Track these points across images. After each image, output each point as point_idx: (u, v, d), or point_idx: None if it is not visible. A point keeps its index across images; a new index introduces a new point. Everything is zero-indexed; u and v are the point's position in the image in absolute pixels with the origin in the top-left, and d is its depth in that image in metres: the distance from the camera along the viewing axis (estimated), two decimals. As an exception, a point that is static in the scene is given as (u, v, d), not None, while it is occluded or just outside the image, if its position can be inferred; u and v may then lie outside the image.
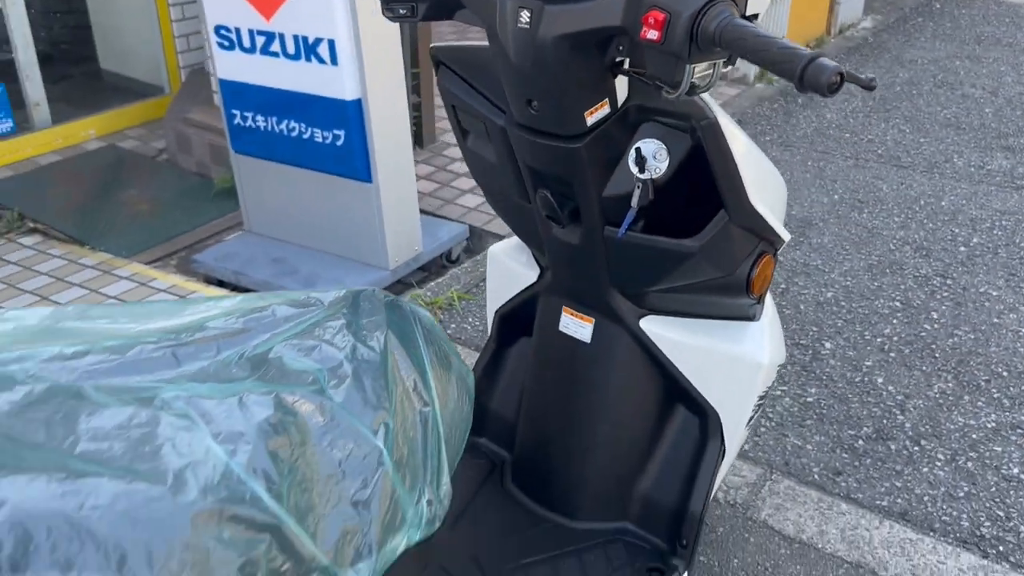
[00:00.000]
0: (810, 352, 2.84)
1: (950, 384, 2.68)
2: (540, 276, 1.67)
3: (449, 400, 1.15)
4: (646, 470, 1.64)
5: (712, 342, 1.49)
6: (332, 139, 3.05)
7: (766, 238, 1.40)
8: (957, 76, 5.13)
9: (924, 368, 2.76)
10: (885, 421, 2.54)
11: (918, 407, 2.60)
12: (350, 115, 2.96)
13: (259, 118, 3.19)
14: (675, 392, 1.58)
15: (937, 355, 2.81)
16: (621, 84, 1.29)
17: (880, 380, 2.71)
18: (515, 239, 1.80)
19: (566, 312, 1.59)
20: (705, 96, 1.26)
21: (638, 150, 1.31)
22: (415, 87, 4.15)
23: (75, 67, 5.34)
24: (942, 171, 4.02)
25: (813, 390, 2.67)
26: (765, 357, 1.49)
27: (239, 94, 3.20)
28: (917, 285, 3.18)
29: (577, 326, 1.57)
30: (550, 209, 1.41)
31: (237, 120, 3.26)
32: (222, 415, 0.88)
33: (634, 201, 1.33)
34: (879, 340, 2.89)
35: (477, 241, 3.54)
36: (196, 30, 4.91)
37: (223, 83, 3.22)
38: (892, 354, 2.82)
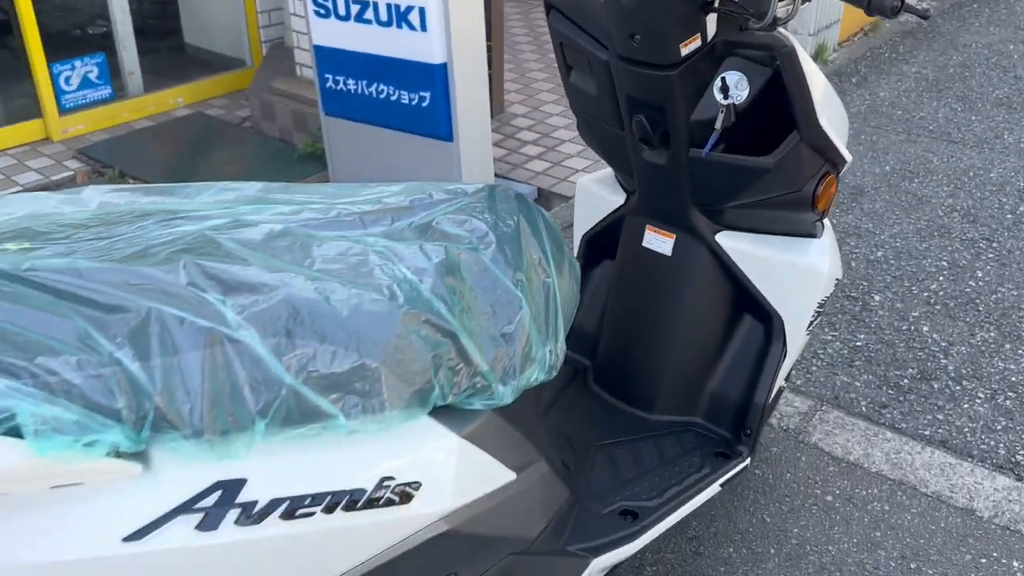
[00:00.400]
0: (860, 303, 3.04)
1: (992, 334, 2.88)
2: (626, 200, 1.91)
3: (563, 279, 1.40)
4: (715, 371, 1.88)
5: (779, 254, 1.73)
6: (418, 101, 3.31)
7: (830, 159, 1.63)
8: (1011, 60, 5.25)
9: (967, 319, 2.95)
10: (929, 364, 2.75)
11: (960, 352, 2.79)
12: (436, 78, 3.22)
13: (350, 82, 3.47)
14: (744, 300, 1.81)
15: (980, 308, 3.01)
16: (711, 21, 1.52)
17: (925, 328, 2.91)
18: (600, 172, 2.05)
19: (649, 230, 1.83)
20: (782, 30, 1.50)
21: (723, 79, 1.54)
22: (488, 60, 4.40)
23: (162, 41, 5.67)
24: (992, 146, 4.18)
25: (862, 336, 2.88)
26: (825, 267, 1.72)
27: (332, 59, 3.47)
28: (963, 247, 3.36)
29: (659, 242, 1.81)
30: (643, 133, 1.65)
31: (329, 84, 3.54)
32: (409, 256, 1.14)
33: (717, 124, 1.56)
34: (925, 294, 3.08)
35: (544, 202, 3.78)
36: (277, 6, 5.21)
37: (318, 49, 3.50)
38: (937, 307, 3.01)
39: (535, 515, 1.36)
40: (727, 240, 1.75)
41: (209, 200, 1.22)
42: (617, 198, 1.93)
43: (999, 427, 2.49)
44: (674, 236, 1.78)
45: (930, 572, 2.04)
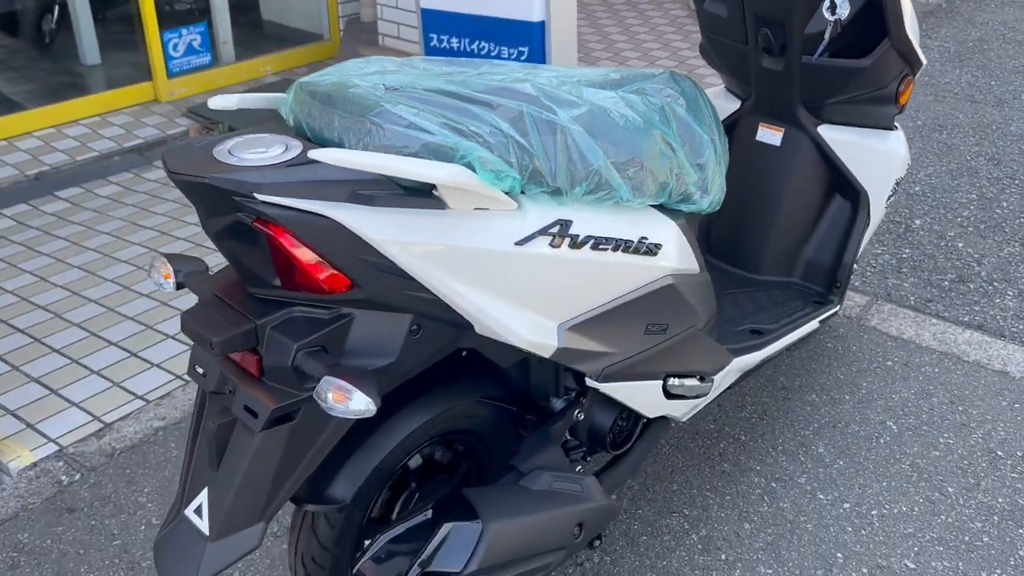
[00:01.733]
0: (903, 226, 3.55)
1: (1017, 248, 3.39)
2: (740, 106, 2.42)
3: (721, 140, 1.89)
4: (810, 240, 2.39)
5: (868, 141, 2.24)
6: (517, 55, 3.82)
7: (910, 62, 2.14)
8: (1024, 35, 5.76)
9: (996, 238, 3.46)
10: (965, 271, 3.26)
11: (991, 262, 3.30)
12: (535, 34, 3.73)
13: (453, 40, 3.97)
14: (835, 181, 2.32)
15: (1007, 230, 3.52)
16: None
17: (960, 245, 3.42)
18: (711, 90, 2.55)
19: (762, 126, 2.34)
20: None
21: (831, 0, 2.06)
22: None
23: (249, 15, 6.18)
24: (1011, 105, 4.69)
25: (907, 250, 3.39)
26: (903, 151, 2.23)
27: (438, 21, 3.98)
28: (989, 184, 3.87)
29: (770, 135, 2.32)
30: (767, 43, 2.16)
31: (434, 43, 4.04)
32: (636, 102, 1.64)
33: (826, 34, 2.07)
34: (959, 219, 3.60)
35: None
36: (355, -15, 5.72)
37: (425, 12, 4.01)
38: (970, 229, 3.52)
39: (708, 304, 1.87)
40: (826, 131, 2.26)
41: (495, 69, 1.74)
42: (732, 104, 2.44)
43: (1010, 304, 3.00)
44: (783, 130, 2.29)
45: (973, 412, 2.55)
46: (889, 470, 2.35)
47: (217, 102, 1.53)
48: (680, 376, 1.83)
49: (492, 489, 1.62)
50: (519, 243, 1.44)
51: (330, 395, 1.27)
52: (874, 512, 2.22)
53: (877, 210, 2.32)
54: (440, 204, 1.36)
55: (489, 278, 1.42)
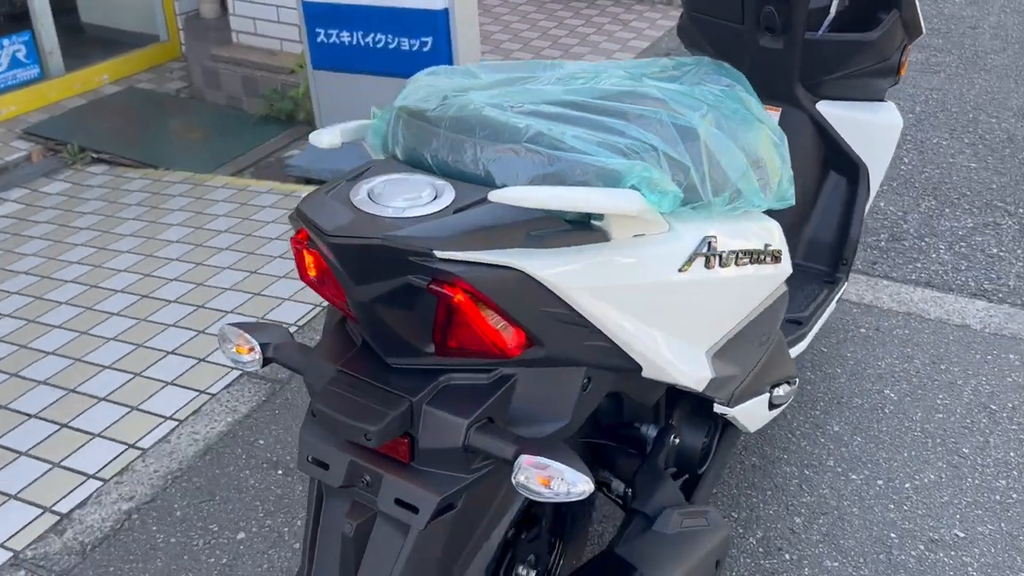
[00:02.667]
0: (824, 190, 3.62)
1: (933, 203, 3.53)
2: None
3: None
4: (809, 221, 2.34)
5: (867, 115, 2.20)
6: (420, 46, 3.59)
7: (911, 31, 2.12)
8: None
9: (911, 194, 3.59)
10: (895, 229, 3.36)
11: (915, 218, 3.42)
12: (439, 23, 3.51)
13: (344, 35, 3.68)
14: (833, 157, 2.28)
15: (917, 185, 3.66)
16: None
17: (882, 204, 3.52)
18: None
19: (758, 108, 2.26)
20: None
21: None
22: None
23: (74, 20, 5.54)
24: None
25: (836, 214, 3.45)
26: (899, 119, 2.22)
27: (323, 13, 3.67)
28: (885, 142, 4.03)
29: (769, 115, 2.24)
30: (770, 22, 2.07)
31: (320, 38, 3.73)
32: (720, 95, 1.50)
33: (833, 8, 2.01)
34: (871, 179, 3.71)
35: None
36: (190, -21, 5.24)
37: (307, 6, 3.69)
38: (884, 187, 3.64)
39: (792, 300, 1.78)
40: (825, 107, 2.21)
41: (559, 73, 1.55)
42: (720, 87, 2.35)
43: (963, 268, 3.12)
44: (780, 109, 2.22)
45: (955, 370, 2.61)
46: (904, 439, 2.36)
47: (323, 139, 1.28)
48: (778, 384, 1.73)
49: (636, 543, 1.45)
50: (680, 269, 1.28)
51: (534, 479, 1.07)
52: (907, 485, 2.22)
53: (877, 181, 2.30)
54: (604, 236, 1.18)
55: (656, 313, 1.26)
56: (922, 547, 2.06)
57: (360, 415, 1.12)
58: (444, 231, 1.06)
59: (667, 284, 1.26)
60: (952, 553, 2.05)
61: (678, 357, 1.31)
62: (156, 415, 2.43)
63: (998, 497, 2.19)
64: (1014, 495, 2.19)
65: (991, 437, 2.37)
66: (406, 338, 1.15)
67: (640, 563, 1.38)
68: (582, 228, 1.16)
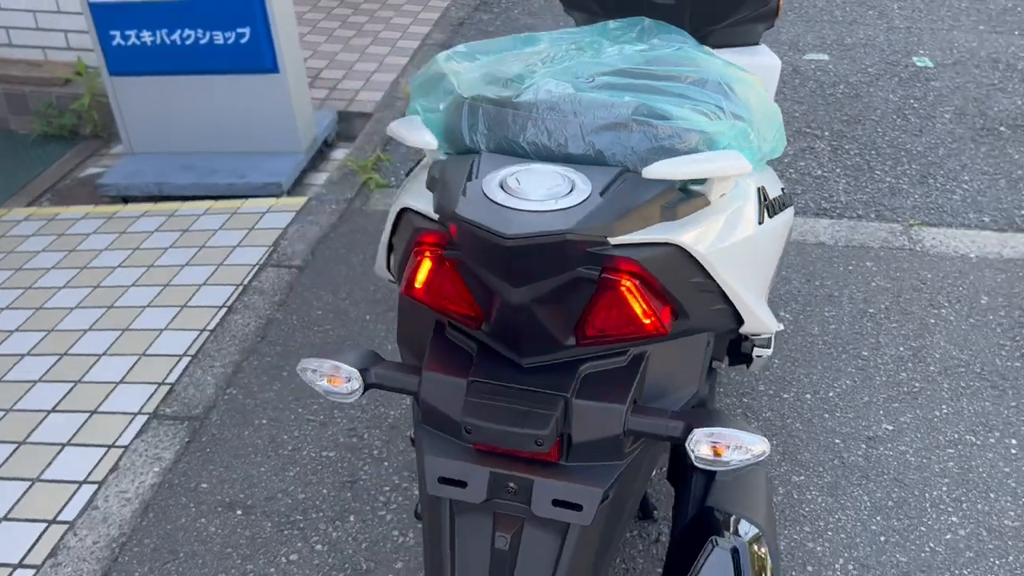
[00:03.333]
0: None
1: (823, 144, 3.80)
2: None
3: None
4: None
5: (751, 58, 2.33)
6: (236, 38, 3.35)
7: None
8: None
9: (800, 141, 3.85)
10: (809, 171, 3.59)
11: (821, 158, 3.68)
12: (255, 10, 3.29)
13: (145, 35, 3.36)
14: (723, 104, 2.40)
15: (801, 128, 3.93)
16: None
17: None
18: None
19: (649, 64, 2.33)
20: None
21: None
22: None
23: None
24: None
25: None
26: (779, 62, 2.37)
27: (117, 16, 3.33)
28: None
29: (660, 71, 2.32)
30: None
31: (117, 41, 3.38)
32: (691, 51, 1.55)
33: None
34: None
35: (347, 123, 3.99)
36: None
37: (95, 7, 3.32)
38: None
39: None
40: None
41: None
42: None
43: (799, 192, 3.41)
44: (673, 63, 2.30)
45: (829, 282, 2.87)
46: (813, 353, 2.57)
47: (418, 137, 1.18)
48: None
49: (718, 494, 1.48)
50: (760, 222, 1.31)
51: (708, 449, 1.07)
52: (831, 394, 2.43)
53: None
54: (706, 200, 1.19)
55: (749, 267, 1.28)
56: (864, 446, 2.26)
57: (523, 422, 1.06)
58: (610, 216, 1.02)
59: (754, 238, 1.29)
60: (889, 445, 2.26)
61: (764, 308, 1.35)
62: (66, 482, 2.15)
63: (905, 389, 2.44)
64: (916, 384, 2.46)
65: (880, 337, 2.63)
66: (553, 333, 1.10)
67: (735, 508, 1.41)
68: (692, 195, 1.16)
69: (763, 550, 1.31)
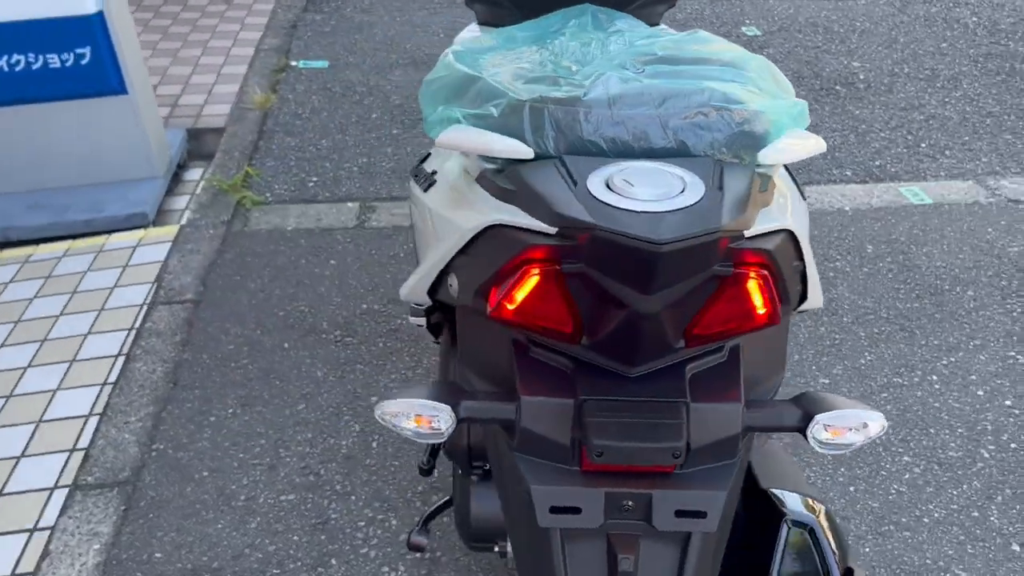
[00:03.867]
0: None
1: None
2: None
3: None
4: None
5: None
6: (75, 60, 3.03)
7: None
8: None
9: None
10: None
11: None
12: (95, 29, 2.99)
13: (-36, 63, 2.98)
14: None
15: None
16: None
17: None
18: (475, 28, 2.41)
19: (563, 51, 2.30)
20: None
21: None
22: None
23: None
24: None
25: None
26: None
27: (-71, 42, 2.94)
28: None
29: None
30: None
31: (-70, 73, 2.99)
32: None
33: None
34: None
35: (197, 141, 3.71)
36: None
37: (-101, 35, 2.92)
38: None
39: None
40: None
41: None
42: (513, 39, 2.34)
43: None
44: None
45: (919, 250, 2.95)
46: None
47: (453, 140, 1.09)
48: None
49: (765, 470, 1.47)
50: (804, 197, 1.31)
51: (830, 434, 1.06)
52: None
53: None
54: (774, 183, 1.17)
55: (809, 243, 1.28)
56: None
57: (656, 435, 1.01)
58: (739, 209, 0.98)
59: (805, 210, 1.29)
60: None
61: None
62: (-11, 581, 1.88)
63: (828, 342, 2.56)
64: (837, 336, 2.58)
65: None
66: (667, 338, 1.05)
67: (783, 484, 1.41)
68: (768, 179, 1.14)
69: (831, 523, 1.32)
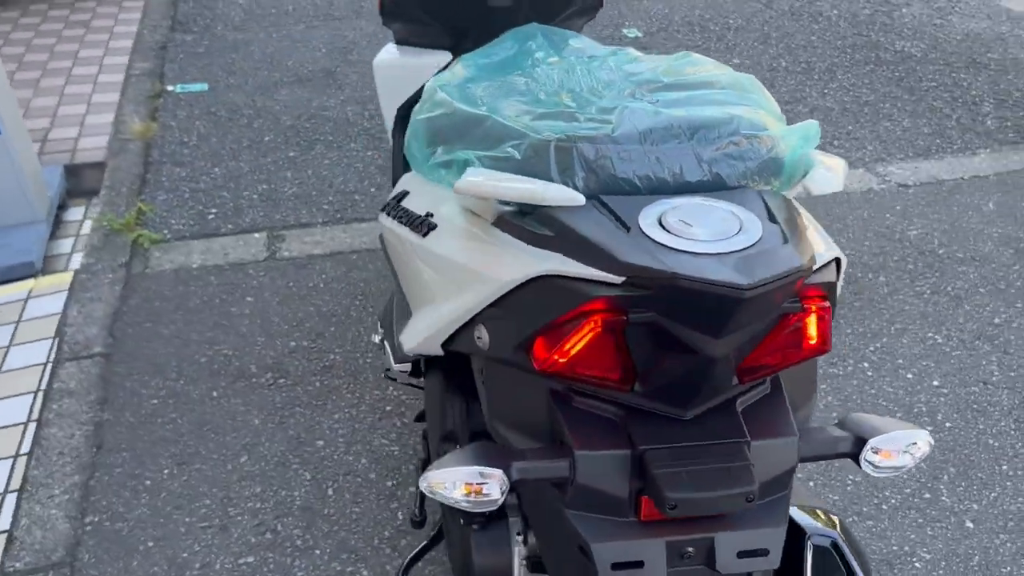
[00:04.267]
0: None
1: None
2: (453, 55, 2.25)
3: None
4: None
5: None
6: (-62, 100, 2.76)
7: None
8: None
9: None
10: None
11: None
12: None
13: None
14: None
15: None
16: None
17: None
18: (389, 51, 2.32)
19: (491, 65, 2.25)
20: None
21: None
22: None
23: None
24: None
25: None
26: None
27: None
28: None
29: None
30: None
31: None
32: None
33: None
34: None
35: (76, 178, 3.46)
36: None
37: None
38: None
39: None
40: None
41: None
42: (439, 59, 2.26)
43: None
44: (512, 65, 2.23)
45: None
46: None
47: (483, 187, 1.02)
48: None
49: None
50: None
51: (881, 457, 1.05)
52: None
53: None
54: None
55: None
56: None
57: (728, 481, 0.97)
58: (804, 244, 0.96)
59: None
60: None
61: None
62: None
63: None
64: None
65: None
66: (727, 378, 1.01)
67: (797, 498, 1.41)
68: (794, 203, 1.13)
69: (848, 535, 1.33)
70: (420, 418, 1.94)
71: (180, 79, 4.21)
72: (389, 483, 2.12)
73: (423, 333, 1.24)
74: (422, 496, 1.59)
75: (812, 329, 1.01)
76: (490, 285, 1.07)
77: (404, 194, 1.45)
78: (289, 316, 2.67)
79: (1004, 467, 2.20)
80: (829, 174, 1.09)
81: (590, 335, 0.97)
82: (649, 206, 1.00)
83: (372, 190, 3.35)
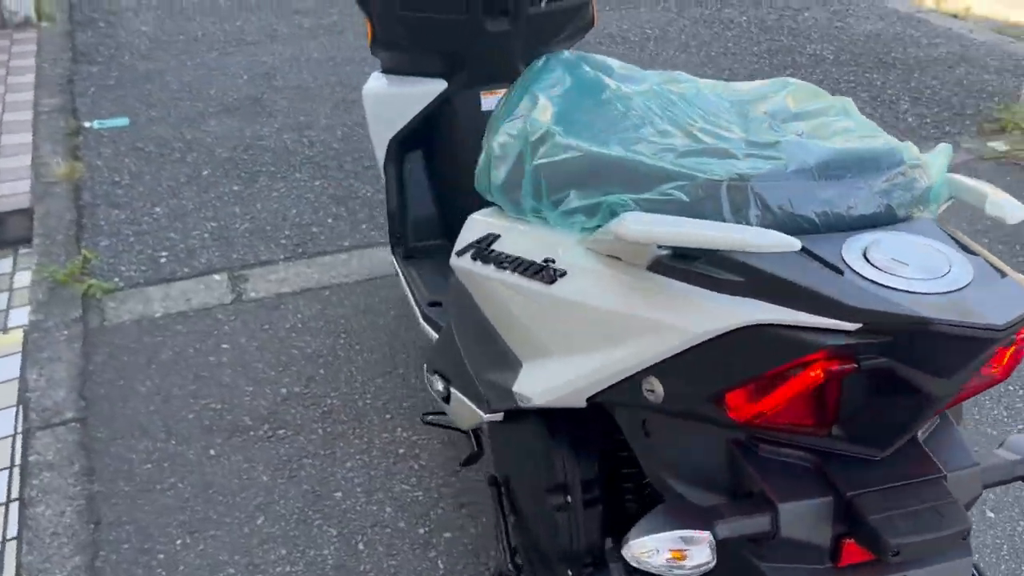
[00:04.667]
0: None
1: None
2: (448, 82, 2.18)
3: None
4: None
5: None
6: None
7: None
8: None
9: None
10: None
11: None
12: None
13: None
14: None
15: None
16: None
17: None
18: (378, 80, 2.24)
19: (484, 95, 2.18)
20: None
21: None
22: None
23: None
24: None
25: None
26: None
27: None
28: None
29: (495, 100, 2.19)
30: (502, 4, 2.01)
31: None
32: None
33: None
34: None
35: (4, 229, 3.20)
36: None
37: None
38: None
39: None
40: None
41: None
42: (433, 87, 2.18)
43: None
44: (504, 90, 2.18)
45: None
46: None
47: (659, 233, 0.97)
48: None
49: None
50: None
51: None
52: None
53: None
54: None
55: None
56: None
57: (944, 522, 0.95)
58: (1014, 275, 0.95)
59: None
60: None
61: None
62: None
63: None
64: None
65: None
66: (932, 414, 1.00)
67: None
68: None
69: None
70: (469, 461, 1.87)
71: (96, 114, 3.96)
72: (421, 530, 2.03)
73: (562, 385, 1.18)
74: (512, 550, 1.52)
75: (1007, 359, 1.01)
76: (674, 335, 1.01)
77: (493, 237, 1.38)
78: (272, 361, 2.54)
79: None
80: (1005, 200, 1.08)
81: (810, 384, 0.93)
82: (847, 243, 0.97)
83: (329, 221, 3.23)
